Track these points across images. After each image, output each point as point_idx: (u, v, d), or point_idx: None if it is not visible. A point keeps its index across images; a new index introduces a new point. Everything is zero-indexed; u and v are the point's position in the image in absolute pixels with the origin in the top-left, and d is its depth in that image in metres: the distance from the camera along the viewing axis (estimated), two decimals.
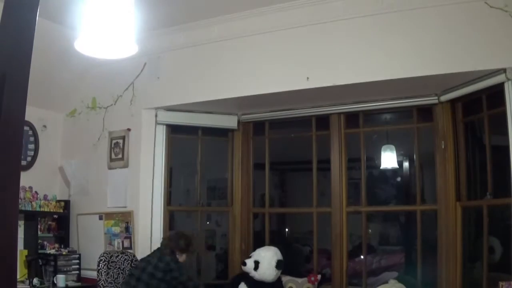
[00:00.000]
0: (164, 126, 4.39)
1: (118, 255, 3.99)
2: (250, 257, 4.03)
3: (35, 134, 4.59)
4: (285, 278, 4.12)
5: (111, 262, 3.90)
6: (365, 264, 4.26)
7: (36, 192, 4.47)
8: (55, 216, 4.56)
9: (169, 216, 4.42)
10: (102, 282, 3.80)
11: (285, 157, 6.10)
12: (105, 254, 3.92)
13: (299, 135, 4.76)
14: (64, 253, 4.35)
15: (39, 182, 4.51)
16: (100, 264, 3.83)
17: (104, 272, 3.82)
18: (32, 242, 4.27)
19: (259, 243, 4.38)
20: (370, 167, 5.34)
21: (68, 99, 4.80)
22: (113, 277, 3.86)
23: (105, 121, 4.54)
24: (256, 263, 3.94)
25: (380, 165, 5.53)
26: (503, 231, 3.51)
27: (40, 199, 4.45)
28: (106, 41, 1.50)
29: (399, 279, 3.84)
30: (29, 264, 4.17)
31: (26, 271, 4.15)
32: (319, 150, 4.30)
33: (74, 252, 4.46)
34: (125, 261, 3.98)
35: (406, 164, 5.82)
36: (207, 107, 4.32)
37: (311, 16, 3.73)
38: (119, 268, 3.91)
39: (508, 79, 3.14)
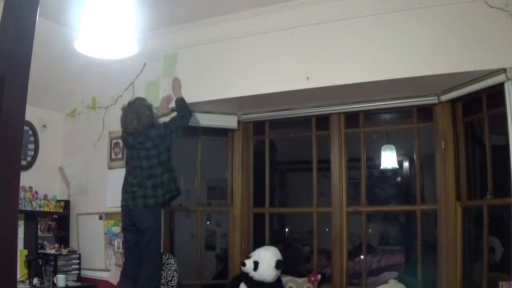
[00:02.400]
0: None
1: None
2: (249, 257, 4.03)
3: (35, 134, 4.59)
4: (285, 278, 4.12)
5: None
6: (365, 264, 4.26)
7: (36, 192, 4.47)
8: (55, 216, 4.56)
9: (169, 215, 4.41)
10: None
11: (285, 157, 6.11)
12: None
13: (299, 135, 4.76)
14: (64, 253, 4.35)
15: (39, 182, 4.51)
16: None
17: None
18: (32, 242, 4.26)
19: (259, 243, 4.38)
20: (370, 167, 5.35)
21: (68, 99, 4.80)
22: (167, 280, 3.87)
23: (105, 121, 4.54)
24: (256, 264, 3.94)
25: (380, 165, 5.54)
26: (503, 231, 3.51)
27: (40, 199, 4.45)
28: (106, 41, 1.50)
29: (399, 279, 3.84)
30: (29, 264, 4.17)
31: (26, 271, 4.15)
32: (319, 150, 4.29)
33: (74, 252, 4.46)
34: None
35: (406, 164, 5.83)
36: (207, 107, 4.32)
37: (311, 16, 3.73)
38: (174, 270, 3.90)
39: (508, 79, 3.14)
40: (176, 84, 4.14)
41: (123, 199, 3.77)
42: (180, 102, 4.01)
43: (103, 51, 1.58)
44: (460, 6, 3.28)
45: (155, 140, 3.69)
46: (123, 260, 3.89)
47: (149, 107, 3.78)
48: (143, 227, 3.63)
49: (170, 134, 3.77)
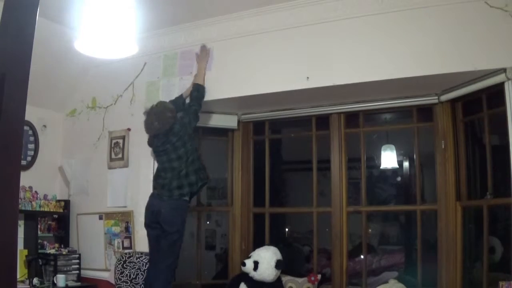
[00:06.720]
0: None
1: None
2: (249, 257, 4.03)
3: (35, 134, 4.59)
4: (285, 278, 4.13)
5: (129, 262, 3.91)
6: (365, 264, 4.26)
7: (36, 192, 4.46)
8: (55, 216, 4.56)
9: None
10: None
11: (285, 157, 6.10)
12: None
13: (299, 135, 4.76)
14: (64, 253, 4.35)
15: (39, 182, 4.51)
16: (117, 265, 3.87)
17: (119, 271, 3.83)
18: (32, 242, 4.27)
19: (259, 243, 4.38)
20: (370, 167, 5.35)
21: (68, 99, 4.80)
22: (130, 277, 3.87)
23: (105, 121, 4.55)
24: (256, 263, 3.94)
25: (380, 165, 5.54)
26: (503, 231, 3.51)
27: (40, 199, 4.44)
28: (106, 41, 1.50)
29: (399, 279, 3.84)
30: (29, 264, 4.17)
31: (26, 271, 4.15)
32: (319, 150, 4.29)
33: (74, 252, 4.46)
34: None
35: (406, 164, 5.83)
36: (207, 107, 4.32)
37: (311, 16, 3.73)
38: (138, 268, 3.90)
39: (508, 79, 3.14)
40: (203, 55, 4.10)
41: (153, 195, 3.77)
42: (197, 87, 3.95)
43: (103, 51, 1.58)
44: (460, 6, 3.28)
45: (180, 132, 3.70)
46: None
47: (171, 109, 3.76)
48: (169, 229, 3.59)
49: (189, 123, 3.78)
